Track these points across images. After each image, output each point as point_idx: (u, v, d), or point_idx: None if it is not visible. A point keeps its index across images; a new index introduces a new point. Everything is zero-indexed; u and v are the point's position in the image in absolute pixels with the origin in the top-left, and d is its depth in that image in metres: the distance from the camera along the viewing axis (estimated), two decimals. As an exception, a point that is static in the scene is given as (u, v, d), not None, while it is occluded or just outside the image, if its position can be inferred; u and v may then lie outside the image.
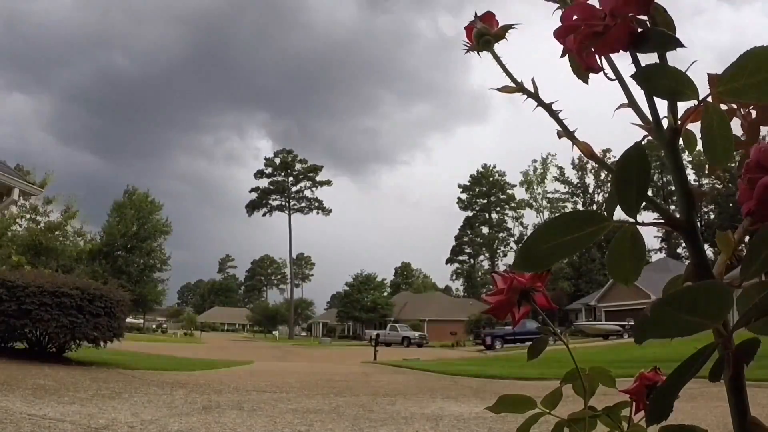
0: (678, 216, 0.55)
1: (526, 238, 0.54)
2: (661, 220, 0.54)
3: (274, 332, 64.19)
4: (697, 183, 43.91)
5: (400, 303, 57.90)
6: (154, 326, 61.04)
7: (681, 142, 0.55)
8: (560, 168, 66.47)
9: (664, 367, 0.80)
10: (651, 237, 54.64)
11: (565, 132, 0.60)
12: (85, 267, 38.71)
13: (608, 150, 47.87)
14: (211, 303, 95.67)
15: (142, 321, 54.38)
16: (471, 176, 74.67)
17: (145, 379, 7.23)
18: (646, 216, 0.56)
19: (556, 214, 0.55)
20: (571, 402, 0.89)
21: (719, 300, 0.44)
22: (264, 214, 70.17)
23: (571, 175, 66.43)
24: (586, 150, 0.60)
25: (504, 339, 29.79)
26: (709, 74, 0.52)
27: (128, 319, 17.29)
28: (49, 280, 8.10)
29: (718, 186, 40.40)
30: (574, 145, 0.60)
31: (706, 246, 0.56)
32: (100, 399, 5.00)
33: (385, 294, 62.84)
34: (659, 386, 0.64)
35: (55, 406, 4.35)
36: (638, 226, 0.54)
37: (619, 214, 0.56)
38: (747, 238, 0.58)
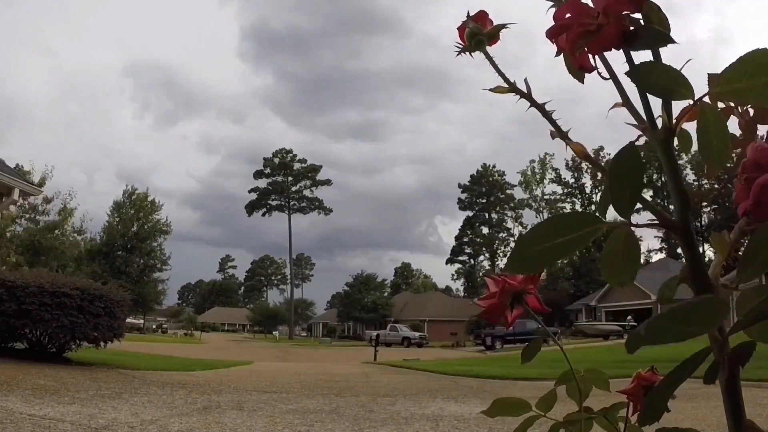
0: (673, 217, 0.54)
1: (517, 239, 0.54)
2: (656, 222, 0.53)
3: (274, 332, 64.13)
4: (696, 183, 43.88)
5: (401, 303, 57.83)
6: (154, 326, 61.02)
7: (676, 141, 0.55)
8: (556, 170, 66.42)
9: (663, 368, 0.79)
10: (651, 237, 54.70)
11: (559, 133, 0.59)
12: (85, 267, 38.72)
13: (601, 148, 47.95)
14: (212, 303, 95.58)
15: (142, 321, 54.35)
16: (471, 176, 74.65)
17: (145, 379, 7.23)
18: (644, 216, 0.55)
19: (548, 216, 0.54)
20: (570, 402, 0.88)
21: (715, 312, 0.44)
22: (263, 214, 70.16)
23: (567, 175, 66.38)
24: (580, 151, 0.59)
25: (504, 339, 29.74)
26: (709, 74, 0.51)
27: (128, 320, 17.29)
28: (49, 281, 8.09)
29: (717, 185, 40.26)
30: (568, 146, 0.59)
31: (707, 246, 0.56)
32: (100, 399, 4.99)
33: (386, 294, 62.79)
34: (653, 388, 0.63)
35: (55, 406, 4.34)
36: (633, 228, 0.54)
37: (614, 215, 0.55)
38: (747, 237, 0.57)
